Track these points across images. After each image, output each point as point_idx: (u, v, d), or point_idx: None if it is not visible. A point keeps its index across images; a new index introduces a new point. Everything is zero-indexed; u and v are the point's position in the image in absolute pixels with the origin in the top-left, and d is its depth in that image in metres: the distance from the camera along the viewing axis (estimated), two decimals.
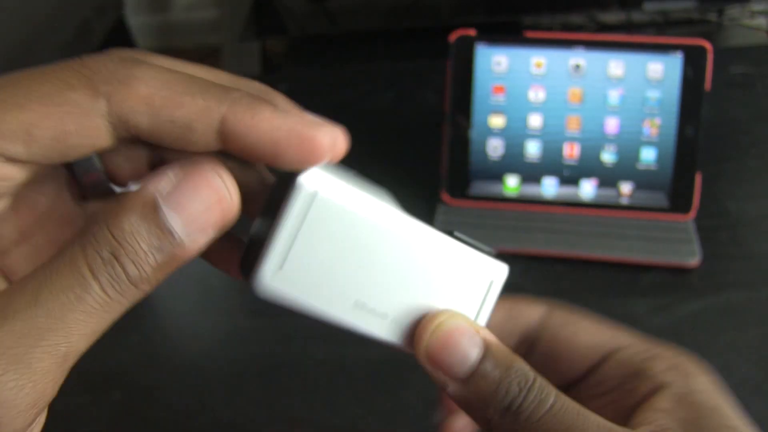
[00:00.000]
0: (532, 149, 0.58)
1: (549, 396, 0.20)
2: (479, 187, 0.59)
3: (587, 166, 0.57)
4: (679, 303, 0.52)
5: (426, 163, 0.64)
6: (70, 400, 0.49)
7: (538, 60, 0.57)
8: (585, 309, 0.52)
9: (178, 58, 0.21)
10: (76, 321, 0.19)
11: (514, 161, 0.58)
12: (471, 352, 0.20)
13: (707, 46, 0.55)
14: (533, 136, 0.58)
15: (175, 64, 0.20)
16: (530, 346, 0.25)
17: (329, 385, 0.48)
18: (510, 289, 0.56)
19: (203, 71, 0.20)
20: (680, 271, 0.54)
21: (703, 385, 0.24)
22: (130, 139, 0.17)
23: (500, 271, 0.24)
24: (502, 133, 0.58)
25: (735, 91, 0.72)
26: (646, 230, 0.56)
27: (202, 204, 0.17)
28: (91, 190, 0.20)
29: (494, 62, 0.57)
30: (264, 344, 0.51)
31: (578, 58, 0.56)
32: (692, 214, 0.56)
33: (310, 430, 0.46)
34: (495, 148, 0.58)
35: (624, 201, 0.57)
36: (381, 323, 0.22)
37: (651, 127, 0.56)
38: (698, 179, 0.56)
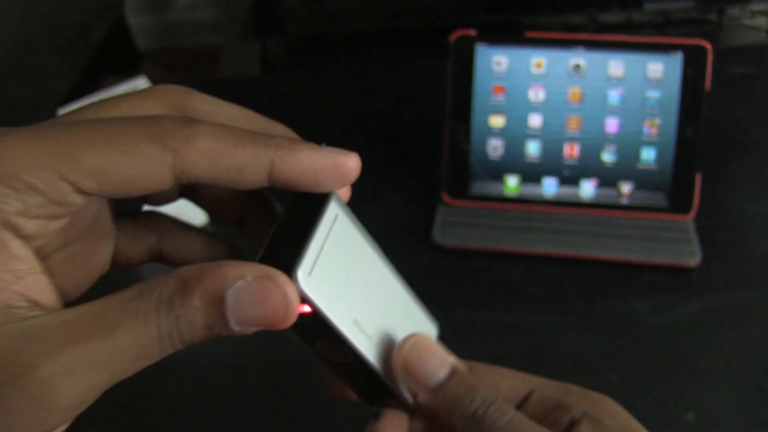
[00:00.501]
0: (532, 149, 0.58)
1: (509, 410, 0.23)
2: (479, 187, 0.59)
3: (587, 166, 0.57)
4: (679, 303, 0.52)
5: (426, 163, 0.65)
6: None
7: (538, 60, 0.57)
8: (585, 309, 0.52)
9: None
10: (129, 355, 0.21)
11: (514, 161, 0.58)
12: (442, 365, 0.24)
13: (707, 46, 0.55)
14: (533, 136, 0.58)
15: (225, 109, 0.25)
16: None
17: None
18: (510, 289, 0.56)
19: (243, 114, 0.26)
20: (680, 271, 0.54)
21: (615, 410, 0.28)
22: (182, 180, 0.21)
23: (436, 328, 0.30)
24: (502, 133, 0.58)
25: (735, 91, 0.72)
26: (646, 230, 0.56)
27: (264, 311, 0.20)
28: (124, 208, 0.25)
29: (494, 62, 0.57)
30: (264, 344, 0.51)
31: (578, 58, 0.56)
32: (692, 214, 0.56)
33: (312, 430, 0.46)
34: (495, 148, 0.58)
35: (624, 201, 0.57)
36: (369, 344, 0.24)
37: (651, 127, 0.56)
38: (698, 179, 0.56)
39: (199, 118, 0.21)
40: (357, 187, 0.67)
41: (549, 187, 0.58)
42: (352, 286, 0.24)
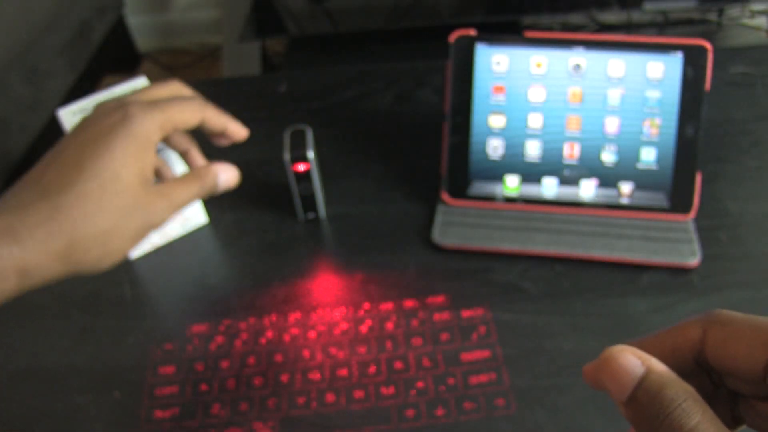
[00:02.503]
0: (532, 149, 0.58)
1: (695, 413, 0.22)
2: (479, 187, 0.59)
3: (587, 166, 0.57)
4: (679, 303, 0.52)
5: (426, 163, 0.65)
6: (70, 400, 0.49)
7: (538, 60, 0.57)
8: (585, 309, 0.52)
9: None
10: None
11: (514, 161, 0.58)
12: (632, 378, 0.23)
13: (707, 46, 0.55)
14: (533, 136, 0.58)
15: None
16: (705, 365, 0.26)
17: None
18: (510, 289, 0.56)
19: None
20: (680, 271, 0.54)
21: None
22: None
23: None
24: (502, 133, 0.58)
25: (735, 91, 0.72)
26: (646, 230, 0.56)
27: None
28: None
29: (494, 62, 0.57)
30: (263, 344, 0.51)
31: (578, 58, 0.56)
32: (692, 214, 0.56)
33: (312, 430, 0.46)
34: (495, 148, 0.58)
35: (624, 201, 0.57)
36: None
37: (651, 127, 0.56)
38: (698, 179, 0.56)
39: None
40: (357, 187, 0.68)
41: (549, 187, 0.58)
42: None
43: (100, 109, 0.38)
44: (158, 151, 0.53)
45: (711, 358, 0.25)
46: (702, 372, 0.26)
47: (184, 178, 0.40)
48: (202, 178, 0.41)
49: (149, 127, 0.36)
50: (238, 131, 0.44)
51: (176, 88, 0.41)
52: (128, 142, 0.35)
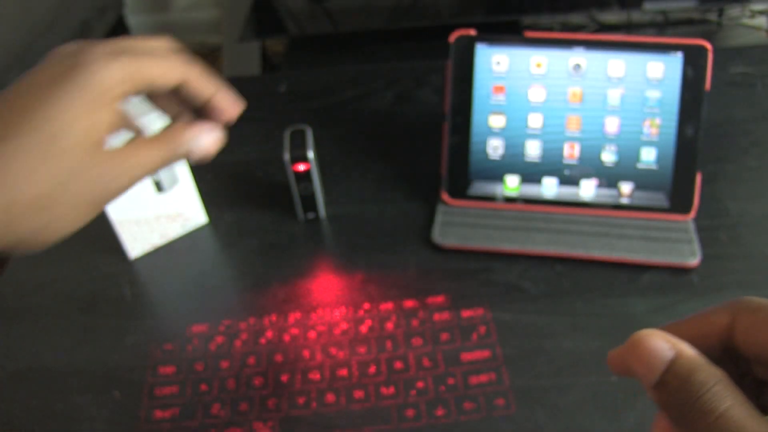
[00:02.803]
0: (532, 149, 0.58)
1: (726, 396, 0.22)
2: (479, 187, 0.59)
3: (587, 166, 0.57)
4: (679, 303, 0.52)
5: (426, 163, 0.65)
6: (70, 400, 0.49)
7: (538, 60, 0.57)
8: (585, 309, 0.52)
9: None
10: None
11: (514, 161, 0.58)
12: (660, 361, 0.23)
13: (707, 46, 0.55)
14: (533, 136, 0.58)
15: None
16: (732, 352, 0.26)
17: None
18: (510, 289, 0.56)
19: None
20: (680, 271, 0.54)
21: None
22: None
23: None
24: (502, 133, 0.58)
25: (735, 91, 0.72)
26: (646, 230, 0.56)
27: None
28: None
29: (494, 62, 0.57)
30: (263, 344, 0.51)
31: (578, 57, 0.56)
32: (692, 214, 0.56)
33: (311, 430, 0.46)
34: (495, 148, 0.58)
35: (624, 201, 0.57)
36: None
37: (651, 127, 0.56)
38: (698, 179, 0.56)
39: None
40: (357, 187, 0.68)
41: (549, 187, 0.58)
42: None
43: (61, 50, 0.32)
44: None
45: (740, 345, 0.24)
46: (729, 359, 0.25)
47: (150, 139, 0.33)
48: (172, 140, 0.33)
49: (109, 77, 0.30)
50: (227, 104, 0.35)
51: (162, 42, 0.34)
52: (80, 93, 0.29)
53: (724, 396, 0.22)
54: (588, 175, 0.58)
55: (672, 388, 0.23)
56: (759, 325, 0.24)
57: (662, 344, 0.23)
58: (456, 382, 0.48)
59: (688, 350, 0.23)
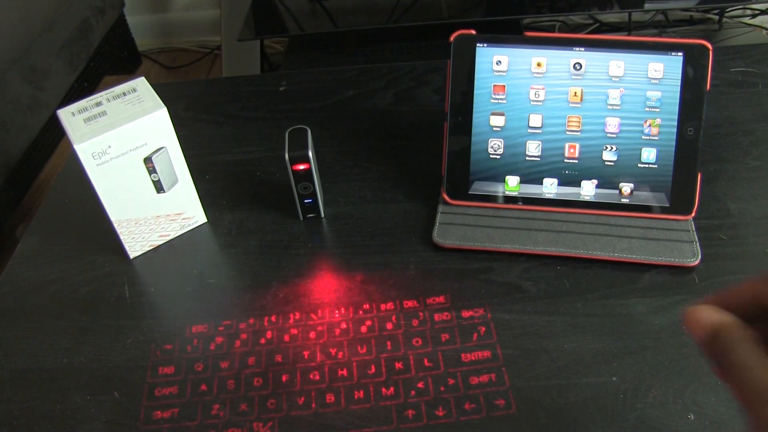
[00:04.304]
0: (533, 149, 0.58)
1: (740, 339, 0.28)
2: (479, 187, 0.59)
3: (588, 166, 0.57)
4: (680, 303, 0.52)
5: (426, 163, 0.64)
6: (70, 400, 0.49)
7: (539, 59, 0.57)
8: (585, 309, 0.52)
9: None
10: None
11: (514, 161, 0.58)
12: (704, 330, 0.29)
13: (708, 45, 0.55)
14: (534, 136, 0.58)
15: None
16: None
17: None
18: (510, 289, 0.56)
19: None
20: (681, 271, 0.54)
21: None
22: None
23: None
24: (502, 132, 0.58)
25: (735, 91, 0.72)
26: (646, 230, 0.56)
27: None
28: None
29: (494, 62, 0.57)
30: (263, 344, 0.51)
31: (578, 57, 0.56)
32: (692, 214, 0.56)
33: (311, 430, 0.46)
34: (495, 147, 0.58)
35: (624, 201, 0.57)
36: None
37: (651, 127, 0.56)
38: (699, 179, 0.56)
39: None
40: (357, 187, 0.68)
41: (549, 187, 0.58)
42: None
43: None
44: (158, 151, 0.53)
45: None
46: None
47: None
48: None
49: None
50: None
51: None
52: None
53: (751, 351, 0.27)
54: (588, 175, 0.57)
55: (714, 346, 0.29)
56: None
57: (707, 314, 0.30)
58: (456, 383, 0.48)
59: (727, 317, 0.29)
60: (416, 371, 0.48)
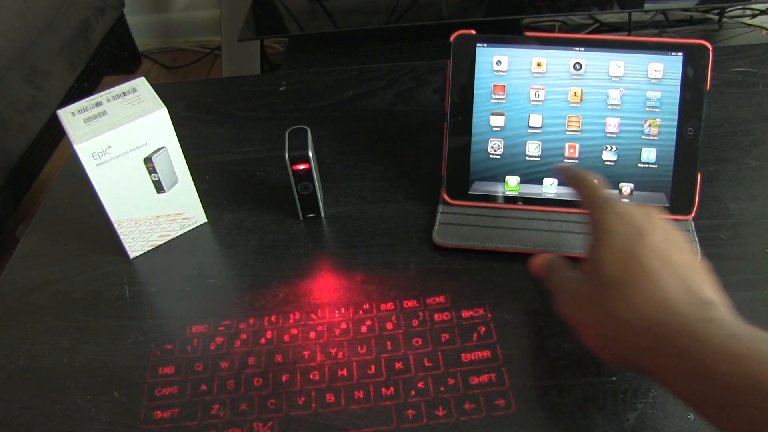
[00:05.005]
0: (533, 149, 0.58)
1: (562, 266, 0.47)
2: (479, 187, 0.59)
3: (588, 166, 0.57)
4: None
5: (426, 163, 0.64)
6: (70, 400, 0.49)
7: (539, 59, 0.57)
8: None
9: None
10: None
11: (514, 161, 0.58)
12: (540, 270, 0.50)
13: (708, 46, 0.55)
14: (534, 136, 0.58)
15: None
16: None
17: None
18: (510, 289, 0.56)
19: None
20: None
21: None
22: None
23: None
24: (502, 132, 0.58)
25: (735, 91, 0.72)
26: None
27: None
28: None
29: (494, 62, 0.57)
30: (263, 344, 0.51)
31: (578, 57, 0.56)
32: (692, 214, 0.56)
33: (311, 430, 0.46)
34: (495, 147, 0.58)
35: (624, 201, 0.57)
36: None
37: (652, 127, 0.56)
38: (698, 179, 0.56)
39: None
40: (357, 187, 0.68)
41: (549, 187, 0.58)
42: None
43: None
44: (158, 151, 0.53)
45: None
46: None
47: None
48: None
49: None
50: None
51: None
52: None
53: (563, 267, 0.46)
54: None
55: (545, 270, 0.47)
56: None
57: (543, 256, 0.48)
58: (456, 383, 0.48)
59: (553, 256, 0.48)
60: (416, 371, 0.48)
